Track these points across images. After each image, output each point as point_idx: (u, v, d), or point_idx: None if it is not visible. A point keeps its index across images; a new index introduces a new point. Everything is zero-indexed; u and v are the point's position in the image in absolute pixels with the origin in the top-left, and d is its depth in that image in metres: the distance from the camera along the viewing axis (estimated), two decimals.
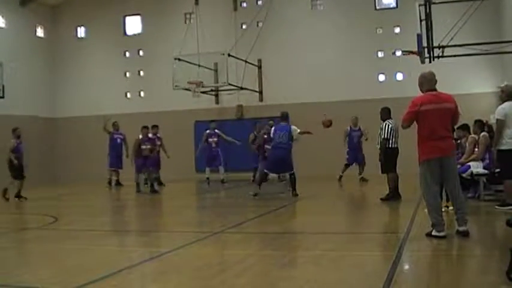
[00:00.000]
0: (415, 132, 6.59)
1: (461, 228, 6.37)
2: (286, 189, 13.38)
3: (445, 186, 6.71)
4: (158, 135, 16.64)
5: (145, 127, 15.29)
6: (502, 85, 10.27)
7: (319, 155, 18.77)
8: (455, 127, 9.88)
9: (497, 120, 8.49)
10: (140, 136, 14.89)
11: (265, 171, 12.27)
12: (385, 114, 10.74)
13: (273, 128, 12.51)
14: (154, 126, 16.43)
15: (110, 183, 17.34)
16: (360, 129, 15.93)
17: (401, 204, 10.17)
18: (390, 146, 10.46)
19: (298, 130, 12.08)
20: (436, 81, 6.58)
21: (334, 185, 15.32)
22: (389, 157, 10.47)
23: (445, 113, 6.38)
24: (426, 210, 6.58)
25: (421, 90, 6.63)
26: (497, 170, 9.30)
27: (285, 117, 12.38)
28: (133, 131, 18.20)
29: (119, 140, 17.21)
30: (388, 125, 10.47)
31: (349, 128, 16.05)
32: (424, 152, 6.45)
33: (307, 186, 13.34)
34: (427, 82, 6.55)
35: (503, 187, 8.97)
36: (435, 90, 6.52)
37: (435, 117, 6.33)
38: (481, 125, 10.38)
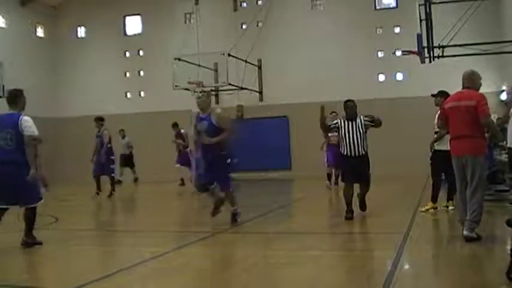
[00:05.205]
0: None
1: (464, 233, 6.17)
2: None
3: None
4: None
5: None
6: (505, 87, 10.24)
7: (317, 155, 18.74)
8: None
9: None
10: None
11: None
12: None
13: None
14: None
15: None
16: None
17: (401, 204, 10.17)
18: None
19: (36, 132, 6.87)
20: (471, 79, 6.40)
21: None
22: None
23: (464, 111, 6.19)
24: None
25: None
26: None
27: (12, 98, 7.02)
28: (133, 131, 18.28)
29: None
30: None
31: None
32: (450, 149, 6.49)
33: (306, 186, 13.32)
34: (463, 80, 6.47)
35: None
36: (468, 88, 6.37)
37: (455, 115, 6.31)
38: None
